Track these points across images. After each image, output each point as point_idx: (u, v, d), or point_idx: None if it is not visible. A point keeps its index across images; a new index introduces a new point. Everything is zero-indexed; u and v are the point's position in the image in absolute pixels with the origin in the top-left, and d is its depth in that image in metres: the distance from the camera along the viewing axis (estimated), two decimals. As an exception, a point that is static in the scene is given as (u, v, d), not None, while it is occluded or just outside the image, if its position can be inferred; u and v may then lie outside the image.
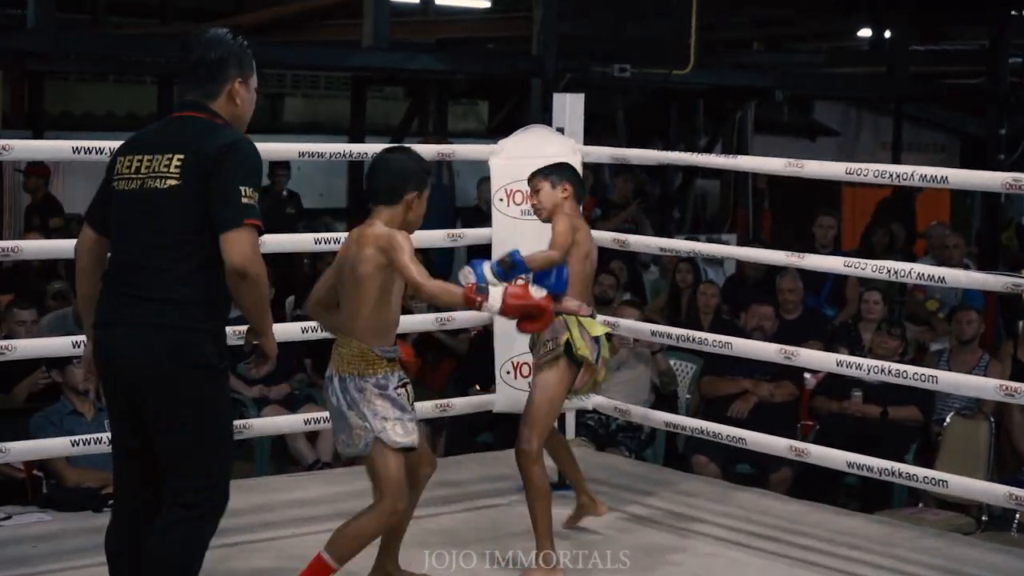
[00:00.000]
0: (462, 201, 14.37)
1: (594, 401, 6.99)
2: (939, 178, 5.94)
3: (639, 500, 6.95)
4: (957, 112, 19.24)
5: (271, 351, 4.65)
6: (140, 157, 4.42)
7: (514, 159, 6.91)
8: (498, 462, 7.55)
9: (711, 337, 7.02)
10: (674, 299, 11.11)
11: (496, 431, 8.93)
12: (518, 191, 6.84)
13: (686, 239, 10.81)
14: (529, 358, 6.80)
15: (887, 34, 16.17)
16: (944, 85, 18.64)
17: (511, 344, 6.83)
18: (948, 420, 8.59)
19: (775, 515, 6.76)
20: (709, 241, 12.71)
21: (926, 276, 6.35)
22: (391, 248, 4.98)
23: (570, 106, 7.27)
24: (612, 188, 14.36)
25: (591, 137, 7.53)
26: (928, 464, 7.72)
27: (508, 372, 6.87)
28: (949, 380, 6.40)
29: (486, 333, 7.15)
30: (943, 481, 5.96)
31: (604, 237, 7.12)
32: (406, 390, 5.22)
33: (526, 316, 5.13)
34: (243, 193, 4.28)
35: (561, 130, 7.16)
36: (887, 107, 18.47)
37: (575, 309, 5.83)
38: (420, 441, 5.26)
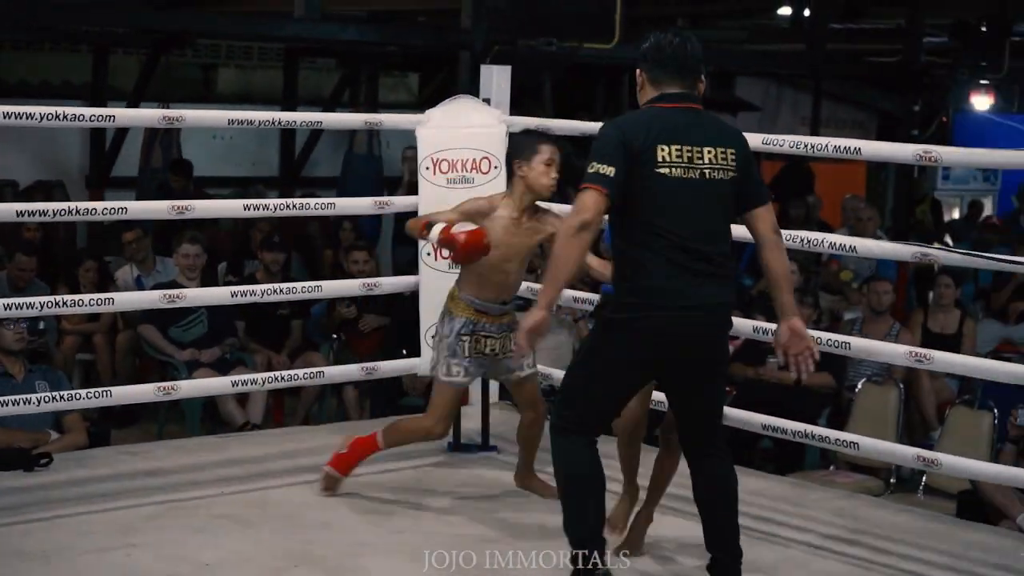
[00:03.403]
0: (392, 171, 14.34)
1: (516, 365, 7.00)
2: (852, 149, 5.97)
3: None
4: (874, 89, 19.33)
5: None
6: (690, 148, 4.65)
7: (441, 129, 6.90)
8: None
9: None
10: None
11: (426, 394, 8.95)
12: (444, 160, 6.83)
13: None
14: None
15: (807, 12, 16.22)
16: (862, 63, 18.74)
17: (437, 309, 6.83)
18: (860, 386, 8.68)
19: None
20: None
21: (838, 246, 6.39)
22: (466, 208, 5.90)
23: (497, 78, 7.28)
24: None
25: (518, 108, 7.52)
26: (840, 429, 7.77)
27: (433, 336, 6.85)
28: (861, 346, 6.42)
29: (414, 299, 7.12)
30: (855, 443, 6.00)
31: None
32: (472, 339, 5.90)
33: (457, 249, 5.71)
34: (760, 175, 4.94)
35: (488, 101, 7.16)
36: (807, 84, 18.54)
37: None
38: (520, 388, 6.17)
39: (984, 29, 15.66)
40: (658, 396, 5.43)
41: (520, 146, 5.90)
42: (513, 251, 5.88)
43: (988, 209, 18.74)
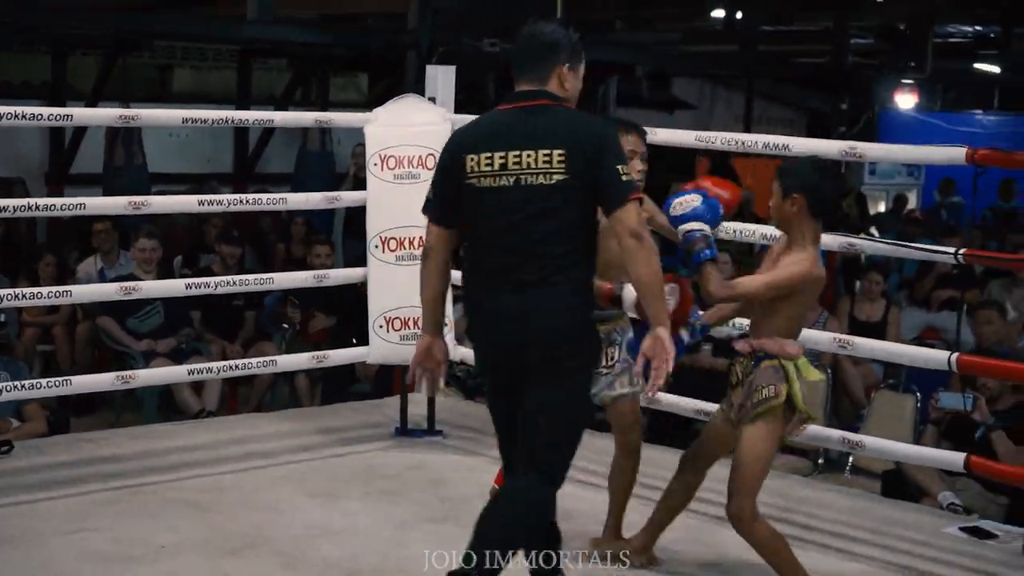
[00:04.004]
0: (344, 167, 14.33)
1: (459, 353, 6.96)
2: (781, 146, 6.01)
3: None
4: (803, 89, 19.43)
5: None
6: (503, 154, 4.17)
7: (388, 127, 6.89)
8: (374, 410, 7.57)
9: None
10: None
11: (376, 381, 8.96)
12: (392, 156, 6.82)
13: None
14: (401, 313, 6.80)
15: (739, 15, 16.27)
16: (791, 64, 18.82)
17: (383, 300, 6.83)
18: (789, 372, 8.70)
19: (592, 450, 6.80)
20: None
21: (769, 237, 6.41)
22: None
23: (442, 77, 7.25)
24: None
25: (464, 107, 7.52)
26: (771, 412, 7.80)
27: (381, 326, 6.84)
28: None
29: (363, 290, 7.11)
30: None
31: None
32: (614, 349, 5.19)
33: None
34: (620, 172, 4.15)
35: (433, 100, 7.14)
36: (740, 84, 18.61)
37: (780, 351, 4.79)
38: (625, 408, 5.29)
39: (907, 31, 15.77)
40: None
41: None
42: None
43: (912, 202, 18.85)
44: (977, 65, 19.27)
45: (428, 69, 7.47)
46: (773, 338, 4.75)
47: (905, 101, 19.09)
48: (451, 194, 4.26)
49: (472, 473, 6.41)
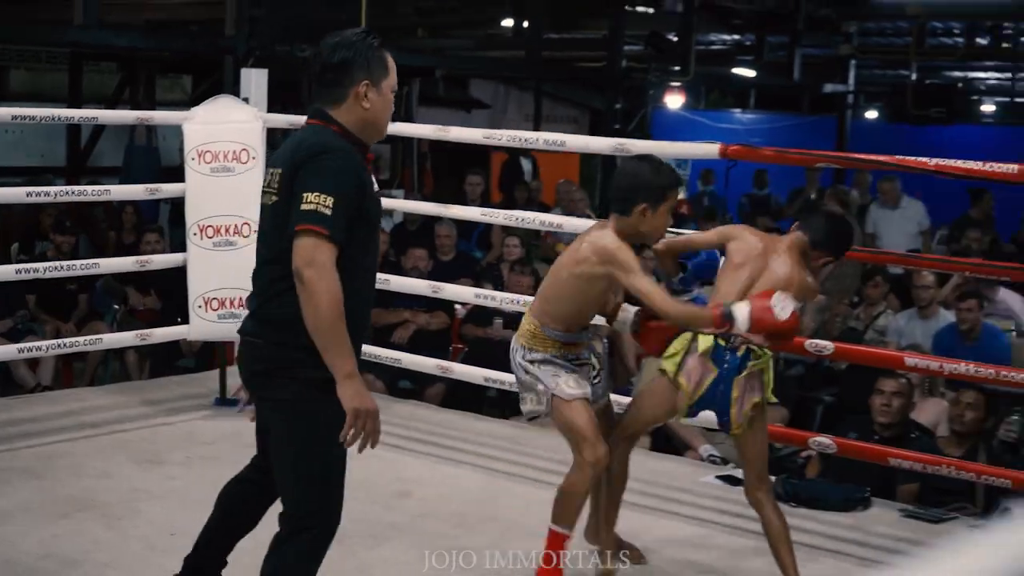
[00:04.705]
0: (168, 161, 14.20)
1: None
2: (558, 142, 6.08)
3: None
4: (585, 90, 19.64)
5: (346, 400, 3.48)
6: (269, 171, 3.66)
7: (204, 124, 6.79)
8: (197, 382, 7.46)
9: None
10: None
11: (199, 357, 8.83)
12: (208, 152, 6.72)
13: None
14: (218, 294, 6.71)
15: (526, 24, 16.37)
16: (574, 67, 19.02)
17: (202, 282, 6.74)
18: (571, 342, 8.80)
19: (429, 422, 6.84)
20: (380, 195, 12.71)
21: (551, 223, 6.50)
22: (614, 265, 4.25)
23: (255, 80, 7.19)
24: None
25: (281, 107, 7.48)
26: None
27: (200, 306, 6.74)
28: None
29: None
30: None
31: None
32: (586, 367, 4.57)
33: (773, 334, 4.34)
34: (304, 199, 3.41)
35: (247, 100, 7.07)
36: (529, 85, 18.74)
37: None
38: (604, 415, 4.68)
39: (674, 39, 16.04)
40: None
41: (651, 188, 4.34)
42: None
43: (682, 192, 19.20)
44: (735, 70, 19.70)
45: (243, 72, 7.39)
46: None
47: (674, 101, 19.43)
48: None
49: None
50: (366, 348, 7.18)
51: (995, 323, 8.29)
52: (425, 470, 5.97)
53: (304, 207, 3.38)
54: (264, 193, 3.62)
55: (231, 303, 6.64)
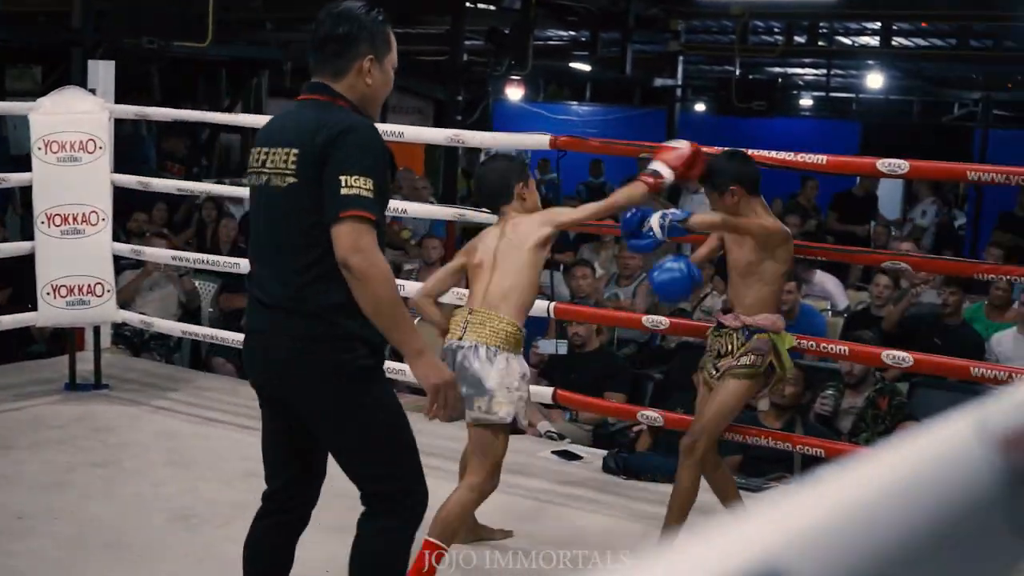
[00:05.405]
0: (20, 150, 13.78)
1: (122, 316, 6.77)
2: (397, 133, 6.02)
3: (167, 396, 6.80)
4: (431, 82, 19.58)
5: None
6: (266, 150, 3.30)
7: (51, 115, 6.59)
8: (47, 367, 7.26)
9: (223, 259, 6.93)
10: (200, 231, 10.93)
11: (50, 342, 8.59)
12: (55, 141, 6.52)
13: (213, 183, 10.62)
14: (67, 281, 6.54)
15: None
16: (417, 60, 18.94)
17: (50, 270, 6.55)
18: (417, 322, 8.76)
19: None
20: (231, 184, 12.51)
21: (397, 209, 6.46)
22: (555, 215, 4.40)
23: (103, 71, 7.01)
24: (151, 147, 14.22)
25: (126, 97, 7.29)
26: (401, 360, 7.84)
27: (48, 293, 6.54)
28: (415, 287, 6.52)
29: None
30: (401, 370, 6.05)
31: (130, 181, 6.89)
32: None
33: (689, 166, 4.46)
34: (344, 183, 3.10)
35: (94, 91, 6.88)
36: (375, 77, 18.60)
37: (772, 325, 4.56)
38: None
39: (512, 34, 16.07)
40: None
41: (517, 170, 4.50)
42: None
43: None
44: (572, 64, 19.83)
45: (90, 63, 7.20)
46: (764, 314, 4.52)
47: (514, 93, 19.50)
48: None
49: (135, 421, 6.24)
50: (215, 332, 7.08)
51: (812, 303, 8.47)
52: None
53: (345, 191, 3.08)
54: (267, 175, 3.26)
55: (80, 290, 6.47)
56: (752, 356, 4.50)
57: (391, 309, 3.12)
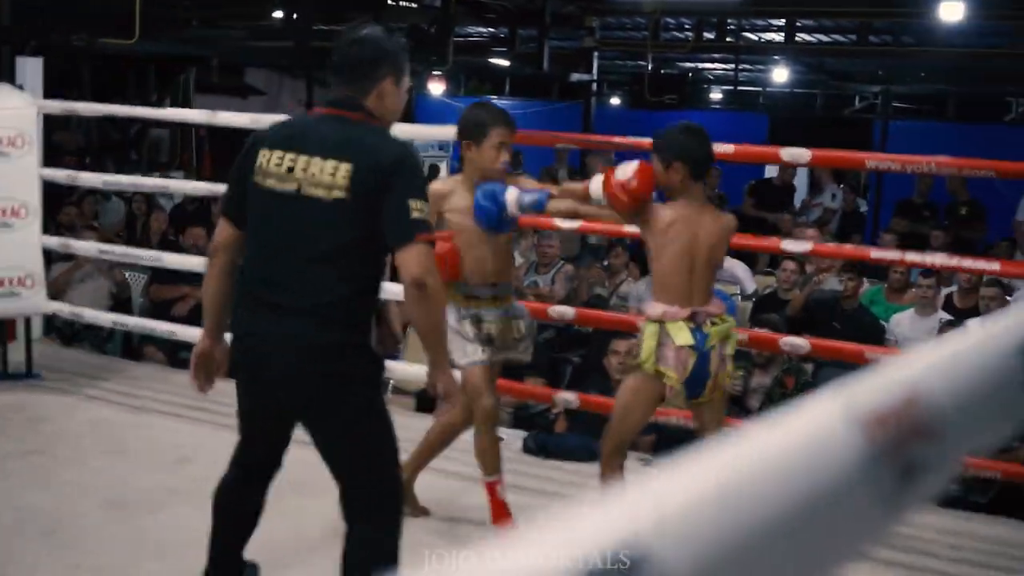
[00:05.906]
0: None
1: (53, 307, 6.69)
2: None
3: (99, 385, 6.74)
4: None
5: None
6: (292, 156, 3.25)
7: (-21, 111, 6.51)
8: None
9: (146, 253, 6.88)
10: (131, 224, 10.83)
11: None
12: (-16, 137, 6.45)
13: (143, 176, 10.54)
14: (19, 272, 6.48)
15: (295, 16, 16.15)
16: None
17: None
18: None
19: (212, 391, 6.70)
20: (162, 178, 12.42)
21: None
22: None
23: (30, 68, 6.95)
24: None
25: (61, 94, 7.23)
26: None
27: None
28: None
29: None
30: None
31: (58, 175, 6.81)
32: (471, 321, 4.57)
33: (627, 192, 4.17)
34: (412, 207, 3.17)
35: (22, 87, 6.80)
36: (302, 73, 18.49)
37: (652, 314, 4.24)
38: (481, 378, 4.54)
39: (432, 31, 16.06)
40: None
41: (470, 128, 4.60)
42: (477, 233, 4.54)
43: (443, 172, 19.28)
44: (491, 60, 19.84)
45: (19, 60, 7.12)
46: (652, 303, 4.25)
47: (435, 88, 19.46)
48: (242, 190, 3.35)
49: (69, 410, 6.18)
50: (146, 322, 7.02)
51: (722, 288, 8.56)
52: (205, 437, 5.85)
53: (416, 216, 3.15)
54: (299, 182, 3.22)
55: (10, 282, 6.40)
56: (636, 348, 4.32)
57: (443, 327, 3.34)
